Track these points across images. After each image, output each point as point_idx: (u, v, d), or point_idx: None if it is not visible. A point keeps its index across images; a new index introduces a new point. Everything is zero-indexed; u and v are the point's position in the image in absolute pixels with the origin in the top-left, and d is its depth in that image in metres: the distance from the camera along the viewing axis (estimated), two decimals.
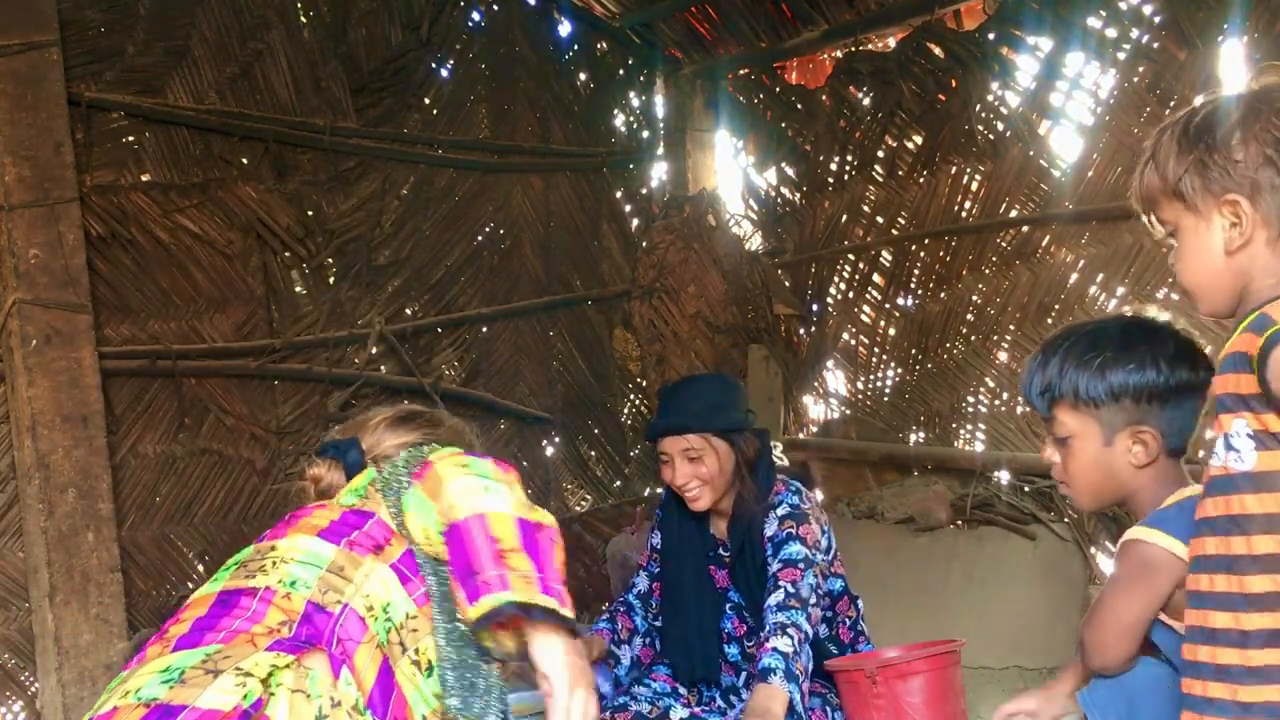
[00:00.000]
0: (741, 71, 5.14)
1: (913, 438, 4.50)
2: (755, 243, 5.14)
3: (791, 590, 2.47)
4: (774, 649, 2.35)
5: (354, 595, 1.50)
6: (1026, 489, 3.96)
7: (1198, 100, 1.46)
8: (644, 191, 5.29)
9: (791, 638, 2.36)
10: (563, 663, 1.48)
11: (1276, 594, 1.26)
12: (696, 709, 2.66)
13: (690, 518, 2.72)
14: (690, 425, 2.57)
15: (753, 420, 2.70)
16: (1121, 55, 3.81)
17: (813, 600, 2.49)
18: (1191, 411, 1.72)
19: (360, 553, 1.55)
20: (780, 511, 2.63)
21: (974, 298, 4.29)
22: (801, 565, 2.53)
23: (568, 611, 1.48)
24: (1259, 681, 1.26)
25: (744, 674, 2.71)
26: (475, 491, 1.51)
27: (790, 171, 4.99)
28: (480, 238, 4.68)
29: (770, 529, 2.60)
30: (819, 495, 4.37)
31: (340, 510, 1.63)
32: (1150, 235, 1.55)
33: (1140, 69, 3.76)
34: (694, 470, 2.58)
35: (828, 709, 2.52)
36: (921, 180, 4.43)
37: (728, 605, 2.70)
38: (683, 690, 2.72)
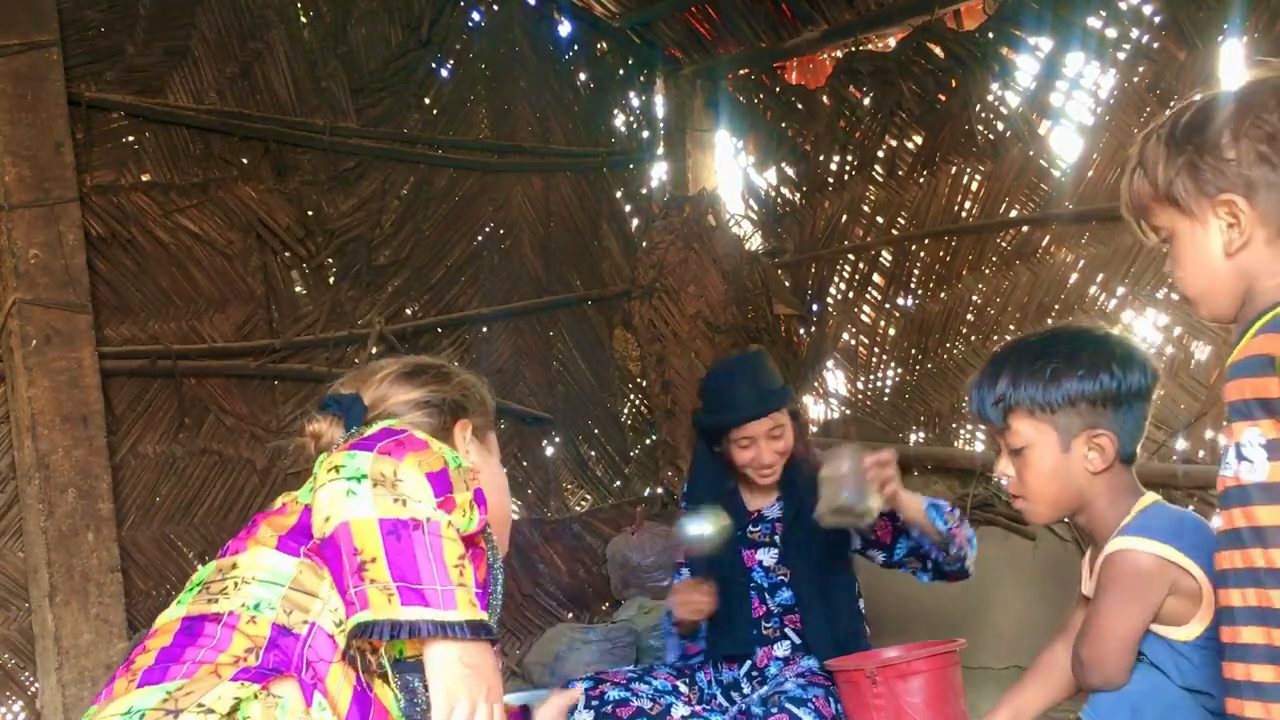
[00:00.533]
0: (741, 71, 5.13)
1: (913, 438, 4.50)
2: (755, 243, 5.14)
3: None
4: (938, 504, 2.49)
5: (321, 612, 1.41)
6: None
7: (1180, 103, 1.44)
8: (644, 191, 5.29)
9: (957, 516, 2.49)
10: (445, 673, 1.33)
11: None
12: (697, 707, 2.67)
13: (725, 498, 2.80)
14: (776, 404, 2.68)
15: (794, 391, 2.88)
16: (1121, 55, 3.81)
17: None
18: (1142, 416, 1.72)
19: (320, 562, 1.43)
20: None
21: (974, 298, 4.29)
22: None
23: (448, 615, 1.32)
24: None
25: (748, 663, 2.74)
26: (338, 499, 1.37)
27: (790, 171, 4.98)
28: (480, 238, 4.68)
29: None
30: None
31: (299, 510, 1.51)
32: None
33: (1140, 69, 3.76)
34: (774, 446, 2.68)
35: (830, 699, 2.53)
36: (921, 180, 4.43)
37: (750, 585, 2.76)
38: (684, 689, 2.73)
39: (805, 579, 2.67)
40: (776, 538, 2.76)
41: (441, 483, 1.41)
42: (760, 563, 2.75)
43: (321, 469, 1.43)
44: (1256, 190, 1.31)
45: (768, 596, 2.72)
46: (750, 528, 2.78)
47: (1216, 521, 1.33)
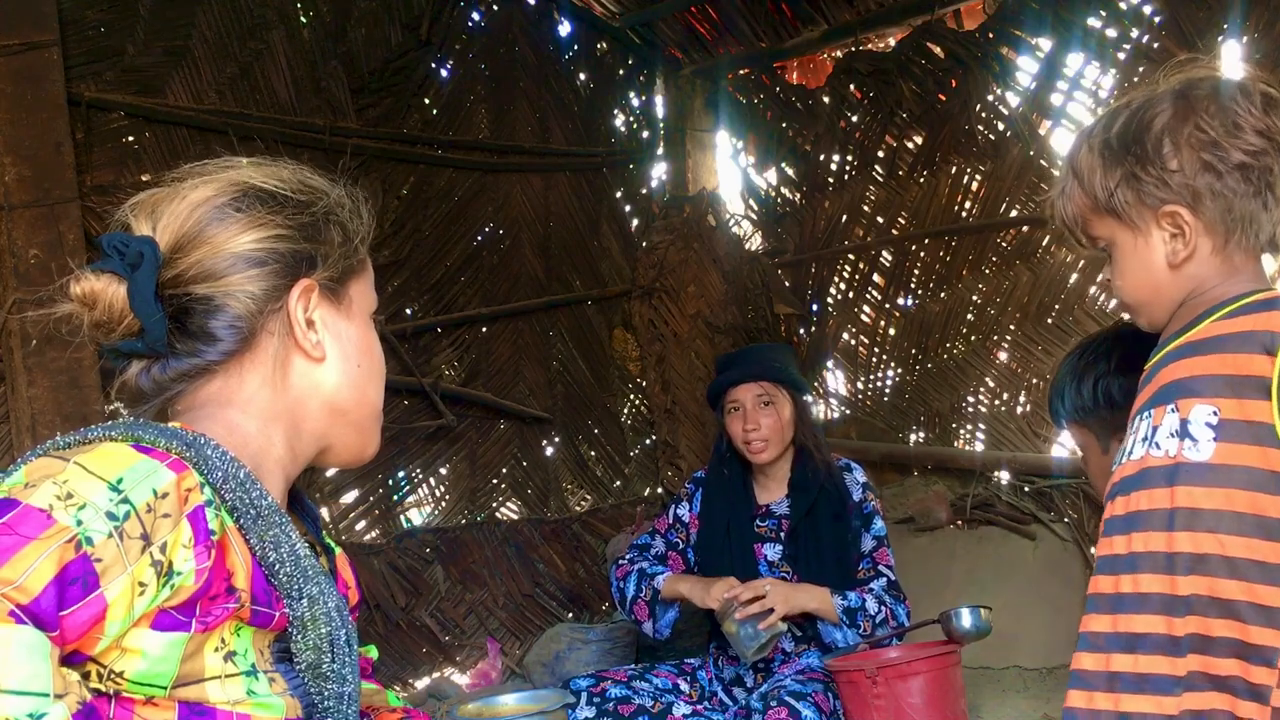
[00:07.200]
0: (741, 71, 5.14)
1: (913, 438, 4.50)
2: (755, 243, 5.14)
3: (893, 579, 2.69)
4: (863, 601, 2.60)
5: None
6: (1026, 489, 3.96)
7: (1109, 108, 1.38)
8: (644, 191, 5.29)
9: (883, 614, 2.61)
10: None
11: (1207, 598, 1.15)
12: (699, 706, 2.68)
13: (737, 490, 2.82)
14: (766, 373, 2.74)
15: (809, 387, 2.90)
16: (1121, 55, 3.82)
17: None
18: None
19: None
20: (860, 479, 2.80)
21: (974, 298, 4.29)
22: (887, 546, 2.73)
23: None
24: (1186, 690, 1.14)
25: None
26: None
27: (790, 171, 4.99)
28: (480, 238, 4.68)
29: (856, 494, 2.76)
30: None
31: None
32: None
33: (1140, 69, 3.76)
34: (763, 418, 2.72)
35: (829, 694, 2.55)
36: (921, 180, 4.43)
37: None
38: (684, 687, 2.73)
39: (809, 577, 2.69)
40: (782, 534, 2.77)
41: (70, 587, 0.85)
42: (765, 557, 2.76)
43: None
44: (1201, 200, 1.26)
45: None
46: (758, 521, 2.80)
47: (1117, 504, 1.27)
